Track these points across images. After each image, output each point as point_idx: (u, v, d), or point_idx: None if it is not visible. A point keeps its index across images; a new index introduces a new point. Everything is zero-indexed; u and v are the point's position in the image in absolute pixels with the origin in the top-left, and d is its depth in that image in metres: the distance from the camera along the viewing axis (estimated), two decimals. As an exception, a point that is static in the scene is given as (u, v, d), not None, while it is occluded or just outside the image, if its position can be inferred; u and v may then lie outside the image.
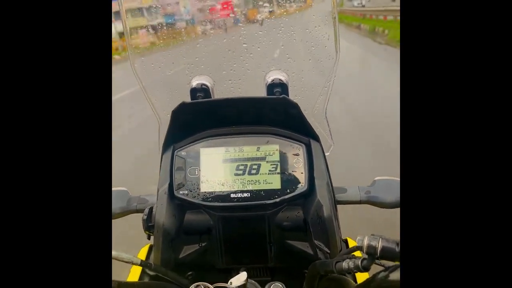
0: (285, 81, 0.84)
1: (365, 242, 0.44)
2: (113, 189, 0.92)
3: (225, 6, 0.90)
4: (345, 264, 0.51)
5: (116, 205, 0.90)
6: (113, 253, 0.54)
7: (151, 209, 0.75)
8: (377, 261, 0.48)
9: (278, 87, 0.83)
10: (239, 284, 0.53)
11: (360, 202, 0.90)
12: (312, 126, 0.74)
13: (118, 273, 0.60)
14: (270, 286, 0.54)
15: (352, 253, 0.60)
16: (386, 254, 0.43)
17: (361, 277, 0.76)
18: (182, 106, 0.71)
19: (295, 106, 0.70)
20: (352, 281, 0.64)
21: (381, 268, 0.48)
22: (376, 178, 0.94)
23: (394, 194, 0.87)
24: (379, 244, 0.43)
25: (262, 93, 0.86)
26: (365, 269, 0.47)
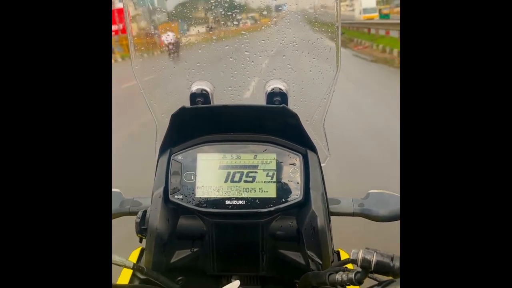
0: (285, 91, 0.85)
1: (360, 256, 0.44)
2: None
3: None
4: (338, 277, 0.51)
5: None
6: None
7: (144, 212, 0.75)
8: (370, 275, 0.48)
9: (277, 96, 0.84)
10: None
11: (353, 214, 0.91)
12: (310, 137, 0.75)
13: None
14: None
15: (344, 265, 0.60)
16: (380, 268, 0.43)
17: None
18: (182, 111, 0.71)
19: (294, 116, 0.71)
20: None
21: (374, 282, 0.48)
22: (369, 191, 0.94)
23: (387, 207, 0.87)
24: (374, 258, 0.43)
25: (261, 101, 0.86)
26: (359, 282, 0.47)
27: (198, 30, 0.90)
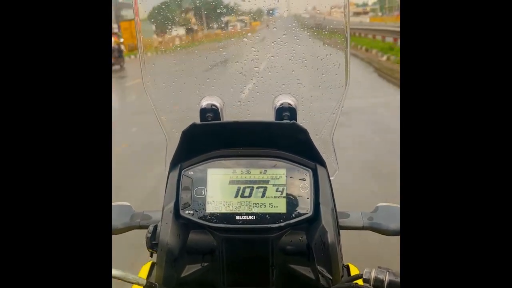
0: (293, 106, 0.85)
1: (372, 275, 0.44)
2: (115, 203, 0.93)
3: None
4: None
5: (119, 220, 0.90)
6: (118, 273, 0.54)
7: (155, 227, 0.75)
8: None
9: (287, 111, 0.85)
10: None
11: (362, 228, 0.91)
12: (319, 151, 0.75)
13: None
14: None
15: (354, 281, 0.60)
16: None
17: None
18: (193, 127, 0.72)
19: (304, 132, 0.72)
20: None
21: None
22: (378, 205, 0.94)
23: (396, 221, 0.87)
24: (386, 278, 0.43)
25: (270, 116, 0.87)
26: None
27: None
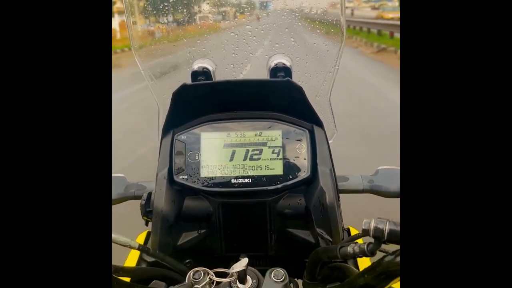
0: (288, 65, 0.82)
1: (372, 225, 0.42)
2: None
3: None
4: (349, 249, 0.49)
5: (114, 191, 0.89)
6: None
7: (149, 195, 0.73)
8: (381, 248, 0.46)
9: (281, 71, 0.81)
10: (239, 269, 0.51)
11: (362, 191, 0.89)
12: (316, 112, 0.72)
13: (115, 259, 0.59)
14: (272, 272, 0.52)
15: (355, 241, 0.58)
16: (393, 237, 0.41)
17: (363, 264, 0.75)
18: (184, 88, 0.69)
19: (299, 90, 0.68)
20: (355, 269, 0.63)
21: (383, 254, 0.46)
22: (379, 168, 0.93)
23: (397, 183, 0.86)
24: (386, 227, 0.41)
25: (265, 77, 0.84)
26: (371, 253, 0.46)
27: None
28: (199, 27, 0.87)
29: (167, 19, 0.88)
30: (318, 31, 0.83)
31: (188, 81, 0.83)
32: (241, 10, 0.90)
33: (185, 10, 0.87)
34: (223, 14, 0.91)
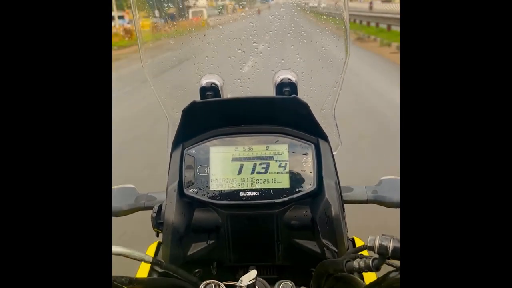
0: (294, 81, 0.84)
1: (377, 242, 0.44)
2: (120, 186, 0.93)
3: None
4: (355, 264, 0.51)
5: (124, 202, 0.91)
6: (124, 250, 0.54)
7: (160, 207, 0.76)
8: (387, 261, 0.48)
9: (287, 87, 0.84)
10: (248, 282, 0.53)
11: (367, 202, 0.91)
12: (321, 125, 0.75)
13: (126, 270, 0.61)
14: (280, 285, 0.54)
15: (360, 252, 0.60)
16: (397, 254, 0.43)
17: (368, 277, 0.77)
18: (193, 105, 0.72)
19: (305, 106, 0.71)
20: (361, 280, 0.65)
21: (390, 268, 0.48)
22: (382, 178, 0.94)
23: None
24: (391, 244, 0.43)
25: (271, 92, 0.86)
26: (376, 268, 0.48)
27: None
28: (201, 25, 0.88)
29: (172, 17, 0.90)
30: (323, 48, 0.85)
31: (197, 96, 0.86)
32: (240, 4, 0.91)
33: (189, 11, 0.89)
34: (221, 8, 0.92)
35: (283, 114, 0.75)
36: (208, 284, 0.53)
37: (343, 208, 0.76)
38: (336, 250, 0.70)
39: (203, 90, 0.85)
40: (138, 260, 0.58)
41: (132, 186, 0.96)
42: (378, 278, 0.46)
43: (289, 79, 0.84)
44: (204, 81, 0.86)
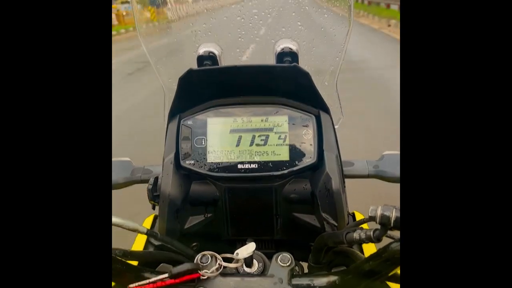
0: (295, 50, 0.81)
1: (379, 212, 0.43)
2: (116, 159, 0.92)
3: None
4: (356, 235, 0.50)
5: (120, 175, 0.89)
6: (119, 220, 0.53)
7: (156, 179, 0.74)
8: (387, 233, 0.47)
9: (288, 56, 0.81)
10: (246, 255, 0.52)
11: (368, 176, 0.89)
12: (322, 97, 0.72)
13: (122, 243, 0.60)
14: (278, 256, 0.53)
15: (360, 226, 0.59)
16: (399, 224, 0.42)
17: (368, 251, 0.76)
18: (190, 73, 0.69)
19: (306, 75, 0.68)
20: (360, 253, 0.63)
21: (389, 240, 0.47)
22: (384, 153, 0.93)
23: None
24: (393, 214, 0.42)
25: (271, 62, 0.83)
26: (378, 239, 0.46)
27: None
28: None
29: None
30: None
31: (194, 65, 0.83)
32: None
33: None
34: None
35: (283, 83, 0.72)
36: (204, 255, 0.52)
37: (344, 182, 0.74)
38: (336, 224, 0.69)
39: (201, 59, 0.82)
40: (132, 231, 0.56)
41: (128, 159, 0.94)
42: (379, 250, 0.45)
43: (290, 48, 0.81)
44: (202, 50, 0.83)
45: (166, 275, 0.48)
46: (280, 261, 0.52)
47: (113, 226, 0.52)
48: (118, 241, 0.54)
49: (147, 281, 0.47)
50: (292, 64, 0.69)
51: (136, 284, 0.46)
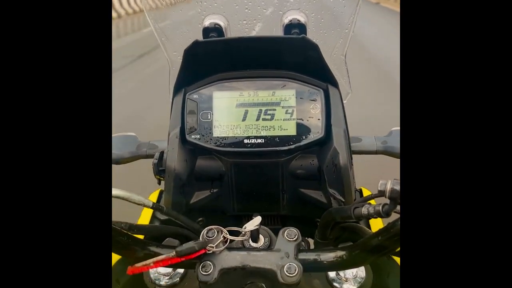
0: (303, 22, 0.79)
1: (388, 187, 0.42)
2: (121, 134, 0.91)
3: None
4: (364, 210, 0.49)
5: (126, 150, 0.89)
6: (122, 193, 0.52)
7: (162, 154, 0.73)
8: (396, 209, 0.46)
9: (296, 28, 0.78)
10: (252, 228, 0.51)
11: (376, 152, 0.88)
12: (331, 72, 0.70)
13: (128, 217, 0.60)
14: (285, 231, 0.52)
15: (368, 202, 0.58)
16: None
17: (375, 225, 0.75)
18: (195, 45, 0.67)
19: (315, 47, 0.66)
20: (367, 229, 0.63)
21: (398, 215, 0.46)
22: (392, 129, 0.91)
23: None
24: None
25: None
26: (387, 214, 0.45)
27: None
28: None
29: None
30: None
31: (200, 37, 0.81)
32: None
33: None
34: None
35: (291, 56, 0.70)
36: (210, 229, 0.51)
37: (351, 158, 0.73)
38: (343, 200, 0.68)
39: (206, 31, 0.80)
40: (138, 204, 0.56)
41: (133, 134, 0.93)
42: (387, 225, 0.44)
43: (298, 20, 0.78)
44: (207, 22, 0.81)
45: (172, 253, 0.47)
46: (286, 235, 0.52)
47: (119, 200, 0.52)
48: (123, 215, 0.54)
49: (154, 259, 0.47)
50: (300, 36, 0.67)
51: (141, 264, 0.46)
